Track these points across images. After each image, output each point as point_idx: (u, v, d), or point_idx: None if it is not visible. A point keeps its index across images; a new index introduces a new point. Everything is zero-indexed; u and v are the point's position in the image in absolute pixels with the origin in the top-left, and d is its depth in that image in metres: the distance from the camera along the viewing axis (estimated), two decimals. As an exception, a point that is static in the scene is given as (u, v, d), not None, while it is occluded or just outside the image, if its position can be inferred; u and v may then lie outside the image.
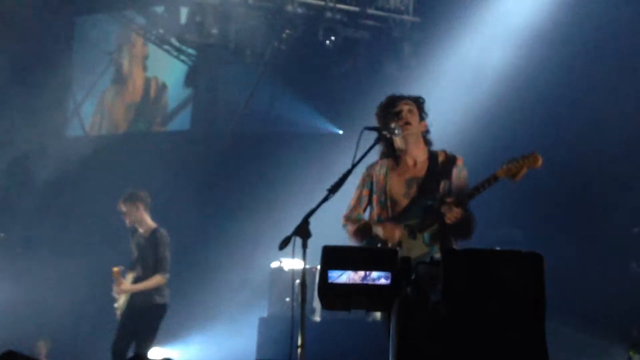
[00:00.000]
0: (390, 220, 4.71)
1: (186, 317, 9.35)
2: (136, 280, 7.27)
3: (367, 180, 4.91)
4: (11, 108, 9.77)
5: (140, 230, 7.41)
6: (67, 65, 11.07)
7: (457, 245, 4.63)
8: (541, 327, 2.83)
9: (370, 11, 9.78)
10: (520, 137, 8.52)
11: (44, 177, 10.36)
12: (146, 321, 7.21)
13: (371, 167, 4.93)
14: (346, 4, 9.76)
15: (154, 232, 7.35)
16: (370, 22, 9.90)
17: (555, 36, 8.58)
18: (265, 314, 8.33)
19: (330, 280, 3.27)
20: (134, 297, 7.24)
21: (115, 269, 7.18)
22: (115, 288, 7.28)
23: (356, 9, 9.76)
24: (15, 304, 8.92)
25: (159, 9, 10.57)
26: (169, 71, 11.21)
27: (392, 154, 4.87)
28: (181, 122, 11.14)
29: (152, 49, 11.18)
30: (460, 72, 8.88)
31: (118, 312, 7.36)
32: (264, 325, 8.05)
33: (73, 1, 11.12)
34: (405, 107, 4.82)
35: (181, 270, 9.64)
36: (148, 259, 7.29)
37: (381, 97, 4.97)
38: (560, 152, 8.11)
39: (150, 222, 7.42)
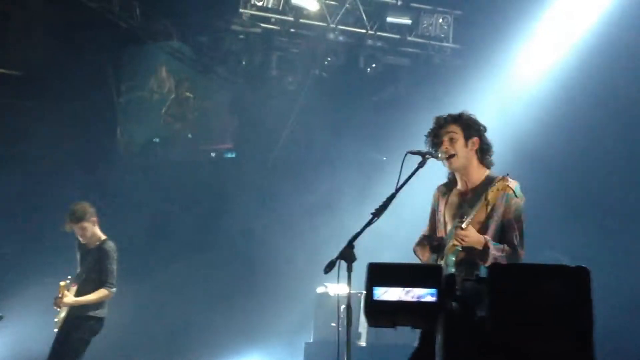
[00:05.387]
0: (440, 240, 4.72)
1: (232, 341, 9.38)
2: (79, 294, 6.92)
3: (434, 200, 4.92)
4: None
5: (87, 242, 7.09)
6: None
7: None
8: (589, 341, 2.84)
9: (411, 38, 9.87)
10: (567, 161, 8.48)
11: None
12: (78, 333, 6.85)
13: (439, 186, 4.93)
14: (387, 31, 9.86)
15: (101, 245, 7.03)
16: (410, 50, 10.01)
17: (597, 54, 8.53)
18: (311, 339, 8.35)
19: (375, 297, 3.29)
20: (71, 310, 6.89)
21: (62, 283, 6.88)
22: (56, 301, 6.91)
23: (397, 36, 9.85)
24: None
25: (204, 39, 10.72)
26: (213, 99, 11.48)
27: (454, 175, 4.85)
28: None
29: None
30: (501, 97, 8.86)
31: (57, 326, 6.99)
32: (310, 349, 8.09)
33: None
34: (447, 138, 4.72)
35: (227, 294, 9.73)
36: (93, 272, 6.97)
37: (423, 123, 4.94)
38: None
39: (99, 234, 7.10)
